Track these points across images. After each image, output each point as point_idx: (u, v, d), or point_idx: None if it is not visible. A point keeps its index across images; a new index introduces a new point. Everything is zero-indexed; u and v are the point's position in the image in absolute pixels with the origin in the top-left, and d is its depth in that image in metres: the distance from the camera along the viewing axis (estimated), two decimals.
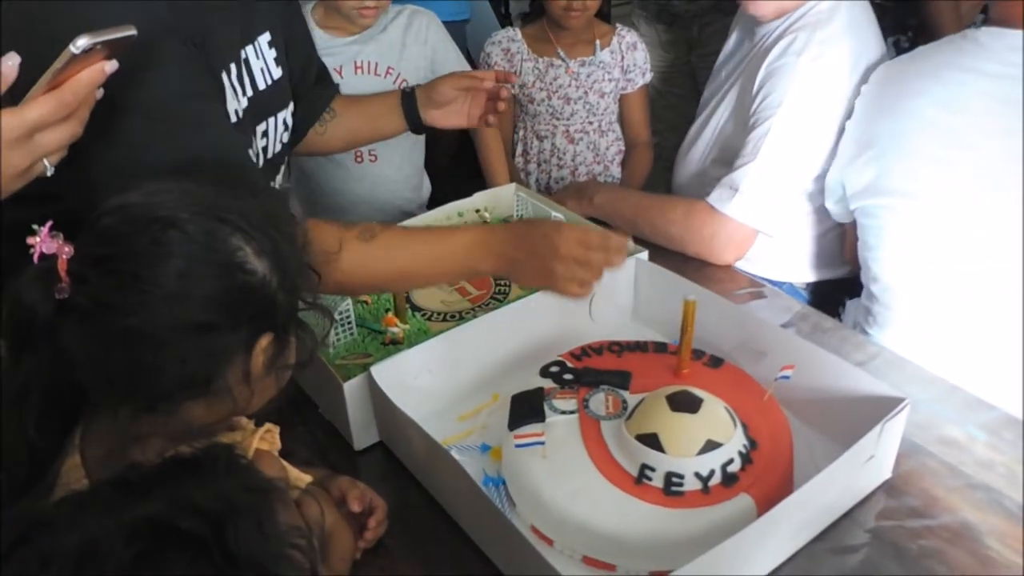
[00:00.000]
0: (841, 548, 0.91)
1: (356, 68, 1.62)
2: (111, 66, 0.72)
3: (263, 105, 1.12)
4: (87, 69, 0.71)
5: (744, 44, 1.60)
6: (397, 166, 1.73)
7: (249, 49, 1.09)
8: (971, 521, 0.94)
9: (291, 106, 1.22)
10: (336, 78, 1.55)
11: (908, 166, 1.27)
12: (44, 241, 0.66)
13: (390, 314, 1.18)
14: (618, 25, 1.90)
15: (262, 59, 1.12)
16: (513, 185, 1.50)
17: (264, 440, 0.80)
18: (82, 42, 0.68)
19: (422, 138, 1.75)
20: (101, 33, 0.69)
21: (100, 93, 0.74)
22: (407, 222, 1.45)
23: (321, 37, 1.58)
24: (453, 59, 1.73)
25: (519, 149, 1.95)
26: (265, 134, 1.16)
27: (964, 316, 1.25)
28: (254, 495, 0.58)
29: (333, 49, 1.60)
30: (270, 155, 1.19)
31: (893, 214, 1.30)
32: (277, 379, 0.78)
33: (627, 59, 1.88)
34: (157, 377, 0.69)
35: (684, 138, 1.78)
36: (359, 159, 1.68)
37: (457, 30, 2.49)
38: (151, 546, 0.51)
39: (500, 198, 1.50)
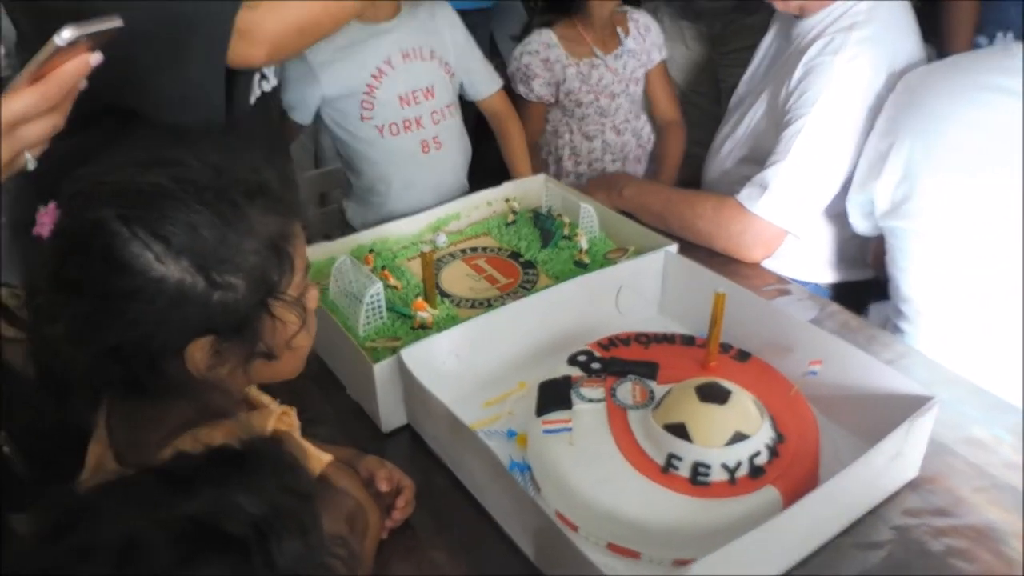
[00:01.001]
0: (866, 544, 0.92)
1: (404, 56, 1.57)
2: (96, 58, 0.71)
3: None
4: (72, 61, 0.69)
5: (781, 42, 1.60)
6: (458, 150, 1.70)
7: None
8: (996, 522, 0.94)
9: None
10: (387, 69, 1.56)
11: (939, 190, 1.25)
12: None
13: (420, 299, 1.19)
14: (627, 8, 1.89)
15: None
16: (542, 176, 1.51)
17: (282, 421, 0.80)
18: (67, 34, 0.67)
19: (460, 109, 1.71)
20: (86, 25, 0.68)
21: (84, 84, 0.72)
22: (439, 208, 1.46)
23: (357, 28, 1.53)
24: (473, 45, 1.69)
25: (566, 153, 1.91)
26: None
27: (994, 338, 1.25)
28: (300, 499, 0.57)
29: (374, 39, 1.54)
30: None
31: (924, 238, 1.29)
32: (288, 355, 0.77)
33: (647, 40, 1.89)
34: (105, 376, 0.69)
35: (707, 135, 1.78)
36: (426, 149, 1.63)
37: (482, 18, 2.48)
38: (194, 547, 0.50)
39: (529, 189, 1.51)
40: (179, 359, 0.69)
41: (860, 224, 1.41)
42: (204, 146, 0.74)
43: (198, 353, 0.69)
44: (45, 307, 0.67)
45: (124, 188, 0.68)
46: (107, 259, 0.65)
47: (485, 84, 1.71)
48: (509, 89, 1.81)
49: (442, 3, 1.64)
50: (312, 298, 0.79)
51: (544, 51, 1.80)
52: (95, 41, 0.70)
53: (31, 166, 0.73)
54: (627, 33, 1.86)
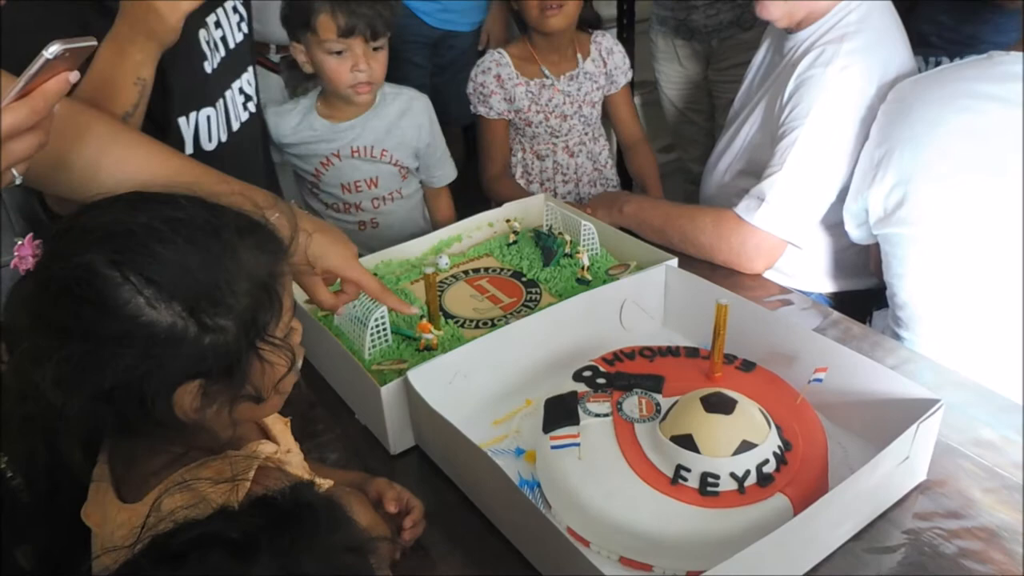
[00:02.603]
0: (879, 548, 0.92)
1: (353, 152, 1.70)
2: (74, 76, 0.71)
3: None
4: (54, 78, 0.69)
5: (773, 57, 1.62)
6: (399, 228, 1.79)
7: None
8: (1008, 522, 0.94)
9: None
10: (335, 160, 1.71)
11: (931, 196, 1.27)
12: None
13: (424, 320, 1.20)
14: (592, 31, 1.90)
15: None
16: (543, 195, 1.52)
17: (271, 458, 0.77)
18: (54, 48, 0.67)
19: (418, 190, 1.84)
20: (70, 40, 0.68)
21: (58, 108, 0.72)
22: (441, 231, 1.48)
23: (322, 125, 1.69)
24: (439, 146, 1.80)
25: (519, 171, 1.94)
26: (218, 24, 1.26)
27: (992, 341, 1.26)
28: (358, 557, 0.57)
29: (332, 135, 1.69)
30: (231, 45, 1.28)
31: (918, 243, 1.30)
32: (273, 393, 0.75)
33: (609, 63, 1.90)
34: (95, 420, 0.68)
35: (704, 152, 1.79)
36: (363, 227, 1.78)
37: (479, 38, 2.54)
38: None
39: (530, 208, 1.52)
40: (168, 401, 0.67)
41: (855, 233, 1.42)
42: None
43: (187, 397, 0.68)
44: (30, 350, 0.66)
45: (114, 230, 0.67)
46: (97, 304, 0.64)
47: (438, 177, 1.83)
48: (467, 159, 1.89)
49: (421, 103, 1.75)
50: (297, 334, 0.78)
51: (496, 68, 1.85)
52: (75, 58, 0.71)
53: (18, 181, 0.73)
54: (586, 56, 1.87)
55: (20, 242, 0.67)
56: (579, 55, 1.87)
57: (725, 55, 2.27)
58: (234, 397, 0.71)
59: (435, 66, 2.52)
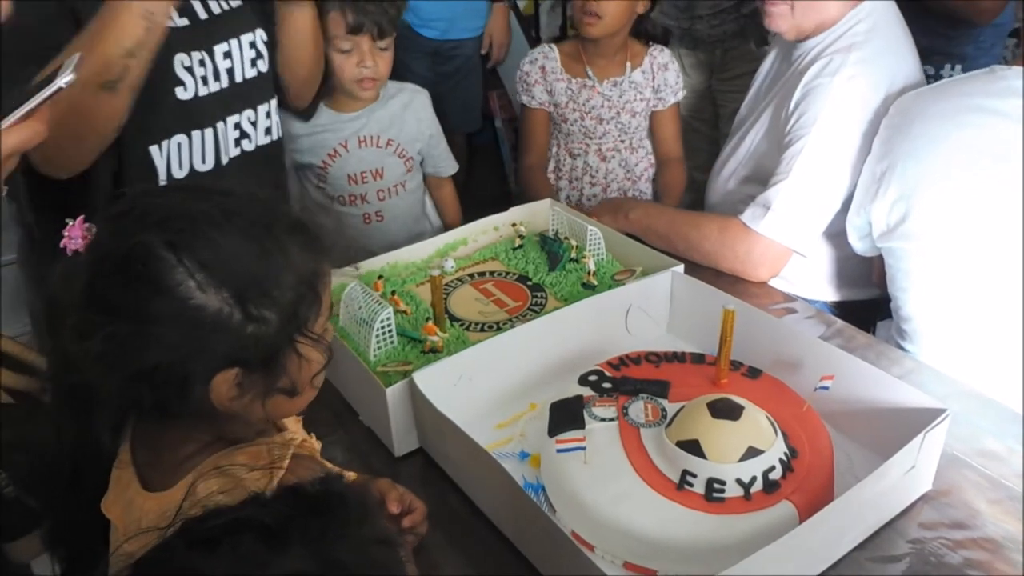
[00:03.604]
0: (883, 557, 0.91)
1: (360, 141, 1.75)
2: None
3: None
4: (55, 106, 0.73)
5: (781, 65, 1.62)
6: (402, 222, 1.85)
7: None
8: (1013, 533, 0.94)
9: (259, 31, 1.32)
10: (342, 151, 1.75)
11: (933, 211, 1.27)
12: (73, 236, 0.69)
13: (430, 323, 1.20)
14: (652, 44, 1.92)
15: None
16: (548, 200, 1.52)
17: (303, 447, 0.79)
18: (69, 78, 0.70)
19: (420, 186, 1.91)
20: (76, 68, 0.72)
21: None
22: (447, 234, 1.48)
23: (329, 115, 1.74)
24: (441, 138, 1.89)
25: (551, 165, 1.98)
26: (228, 55, 1.25)
27: (996, 353, 1.26)
28: (387, 548, 0.57)
29: (338, 125, 1.74)
30: (239, 79, 1.28)
31: (921, 257, 1.30)
32: (300, 393, 0.75)
33: (658, 78, 1.90)
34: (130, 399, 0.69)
35: (708, 161, 1.80)
36: (367, 220, 1.81)
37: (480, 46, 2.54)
38: None
39: (536, 213, 1.52)
40: (205, 387, 0.69)
41: (858, 245, 1.42)
42: (246, 182, 0.75)
43: (223, 384, 0.69)
44: (77, 324, 0.67)
45: (173, 213, 0.68)
46: (150, 283, 0.66)
47: (441, 167, 1.91)
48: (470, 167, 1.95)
49: (422, 97, 1.84)
50: (329, 334, 0.78)
51: (542, 60, 1.90)
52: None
53: (3, 193, 0.75)
54: (636, 66, 1.88)
55: (71, 223, 0.69)
56: (629, 64, 1.88)
57: (729, 65, 2.27)
58: (268, 388, 0.72)
59: (438, 75, 2.53)
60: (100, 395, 0.69)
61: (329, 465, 0.86)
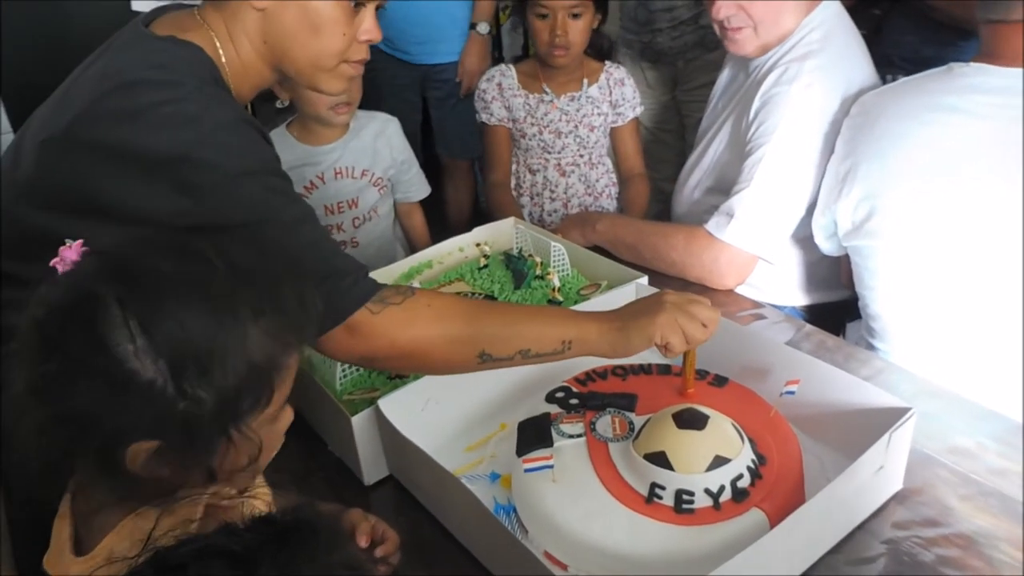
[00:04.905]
0: (858, 559, 0.91)
1: (336, 173, 1.78)
2: None
3: None
4: None
5: (739, 75, 1.63)
6: (377, 247, 1.87)
7: None
8: (985, 528, 0.94)
9: None
10: (319, 183, 1.77)
11: (898, 208, 1.28)
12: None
13: None
14: (607, 62, 1.94)
15: None
16: (512, 219, 1.52)
17: (216, 496, 0.74)
18: None
19: (391, 210, 1.93)
20: None
21: None
22: (413, 257, 1.47)
23: (304, 150, 1.76)
24: (413, 163, 1.92)
25: (512, 182, 1.99)
26: None
27: (964, 349, 1.26)
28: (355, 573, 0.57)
29: (315, 158, 1.76)
30: None
31: (887, 255, 1.31)
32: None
33: (615, 93, 1.92)
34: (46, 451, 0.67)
35: (675, 172, 1.80)
36: (343, 247, 1.76)
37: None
38: None
39: (500, 232, 1.52)
40: (122, 450, 0.66)
41: (825, 245, 1.43)
42: (238, 239, 0.71)
43: (141, 454, 0.66)
44: (21, 349, 0.65)
45: (140, 269, 0.66)
46: (91, 333, 0.63)
47: (412, 192, 1.95)
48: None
49: (393, 125, 1.87)
50: (286, 420, 0.75)
51: (499, 77, 1.93)
52: None
53: None
54: (593, 83, 1.90)
55: (70, 243, 0.68)
56: (585, 80, 1.90)
57: (692, 76, 2.29)
58: (188, 468, 0.68)
59: (433, 99, 2.53)
60: (21, 429, 0.66)
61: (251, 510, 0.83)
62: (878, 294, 1.34)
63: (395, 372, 1.16)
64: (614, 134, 1.96)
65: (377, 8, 1.05)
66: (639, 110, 1.97)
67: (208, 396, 0.65)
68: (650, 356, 1.21)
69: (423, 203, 2.02)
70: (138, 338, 0.63)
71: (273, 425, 0.73)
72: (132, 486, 0.68)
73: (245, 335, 0.67)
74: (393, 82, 2.45)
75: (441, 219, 2.53)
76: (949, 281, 1.26)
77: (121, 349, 0.63)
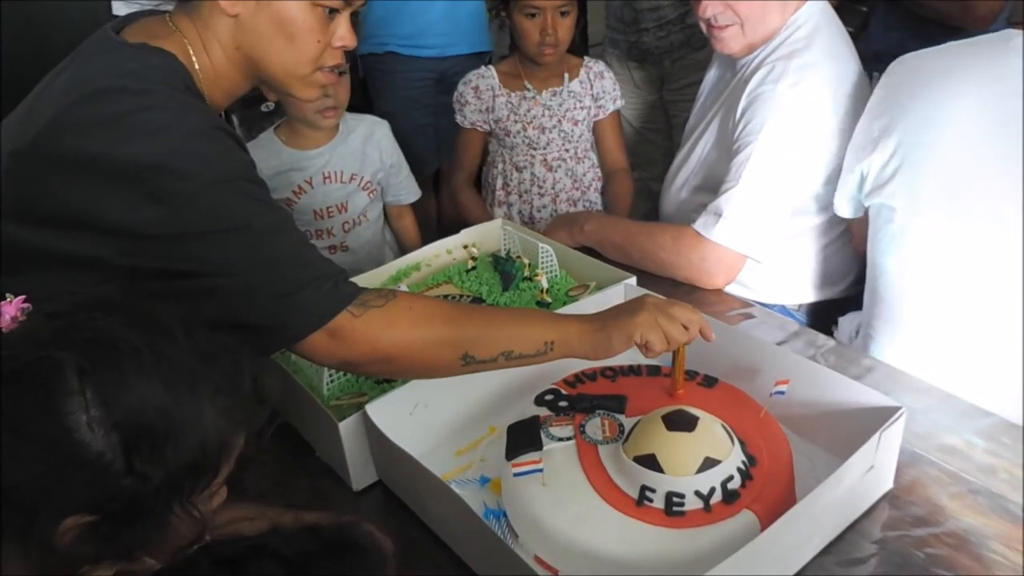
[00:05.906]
0: (849, 560, 0.91)
1: (324, 178, 1.76)
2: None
3: None
4: None
5: (725, 74, 1.63)
6: (367, 251, 1.86)
7: None
8: (975, 526, 0.94)
9: None
10: (307, 188, 1.75)
11: (930, 171, 1.24)
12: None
13: None
14: (586, 57, 1.95)
15: None
16: (499, 220, 1.52)
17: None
18: None
19: (381, 213, 1.93)
20: None
21: None
22: (401, 260, 1.47)
23: (291, 155, 1.75)
24: (403, 166, 1.91)
25: (499, 183, 1.99)
26: None
27: (969, 323, 1.24)
28: None
29: (303, 163, 1.75)
30: None
31: (908, 216, 1.27)
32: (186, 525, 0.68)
33: (596, 87, 1.93)
34: None
35: (663, 171, 1.80)
36: (333, 252, 1.81)
37: (481, 62, 2.48)
38: None
39: (487, 233, 1.51)
40: (55, 523, 0.62)
41: (844, 207, 1.40)
42: (202, 318, 0.69)
43: (74, 527, 0.62)
44: None
45: (102, 338, 0.64)
46: (41, 399, 0.61)
47: (403, 195, 1.94)
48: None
49: (383, 128, 1.86)
50: (220, 497, 0.73)
51: (476, 80, 1.93)
52: None
53: None
54: (574, 78, 1.91)
55: (10, 298, 0.65)
56: (566, 75, 1.91)
57: (678, 75, 2.29)
58: (119, 548, 0.65)
59: (441, 105, 2.37)
60: None
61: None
62: (891, 260, 1.30)
63: (379, 377, 1.15)
64: (597, 128, 1.97)
65: (352, 15, 1.04)
66: (620, 103, 1.98)
67: (157, 474, 0.63)
68: (639, 357, 1.21)
69: (422, 205, 2.01)
70: (92, 408, 0.61)
71: (208, 502, 0.71)
72: (47, 560, 0.64)
73: (201, 415, 0.66)
74: (408, 85, 2.39)
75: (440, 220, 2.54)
76: (967, 258, 1.22)
77: (72, 418, 0.61)
